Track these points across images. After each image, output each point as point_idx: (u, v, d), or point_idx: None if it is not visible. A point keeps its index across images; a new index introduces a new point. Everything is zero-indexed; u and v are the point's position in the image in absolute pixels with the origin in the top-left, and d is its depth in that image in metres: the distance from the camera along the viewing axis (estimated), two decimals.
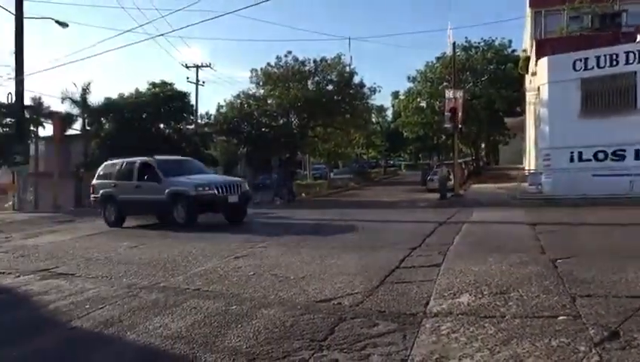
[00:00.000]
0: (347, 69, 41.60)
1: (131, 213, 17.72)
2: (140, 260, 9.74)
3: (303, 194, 36.49)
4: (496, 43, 45.62)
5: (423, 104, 47.79)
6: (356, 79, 42.32)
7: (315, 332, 4.97)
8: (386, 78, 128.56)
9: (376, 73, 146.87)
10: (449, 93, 26.80)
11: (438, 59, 45.91)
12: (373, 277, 7.14)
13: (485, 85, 43.57)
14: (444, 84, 40.00)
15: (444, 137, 50.37)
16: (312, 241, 11.26)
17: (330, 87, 42.04)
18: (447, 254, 8.73)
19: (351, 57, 59.12)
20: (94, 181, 18.40)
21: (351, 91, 41.89)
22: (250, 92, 43.11)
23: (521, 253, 8.45)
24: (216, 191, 15.25)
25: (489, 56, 44.55)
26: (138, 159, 17.23)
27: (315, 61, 41.14)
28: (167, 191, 15.43)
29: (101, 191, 17.62)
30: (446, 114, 26.44)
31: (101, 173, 18.35)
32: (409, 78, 49.47)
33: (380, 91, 43.70)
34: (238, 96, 43.06)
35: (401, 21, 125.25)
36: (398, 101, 56.39)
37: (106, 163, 18.70)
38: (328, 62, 41.26)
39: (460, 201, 22.31)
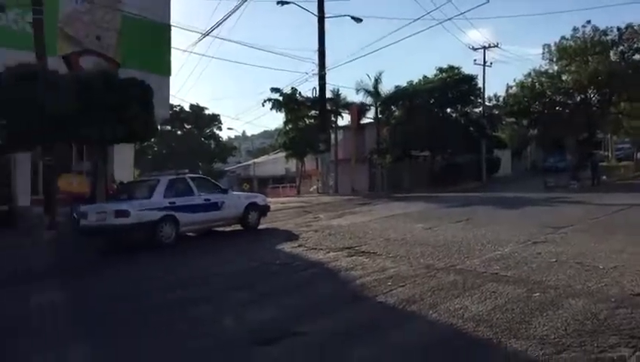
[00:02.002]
0: None
1: None
2: (435, 242, 9.93)
3: (604, 177, 33.01)
4: None
5: None
6: None
7: (635, 329, 4.45)
8: None
9: None
10: None
11: None
12: None
13: None
14: None
15: None
16: (621, 229, 10.11)
17: (637, 57, 37.13)
18: None
19: None
20: None
21: None
22: (542, 69, 40.59)
23: None
24: None
25: None
26: None
27: (618, 29, 36.75)
28: None
29: None
30: None
31: None
32: None
33: None
34: (528, 74, 40.90)
35: None
36: None
37: None
38: (635, 28, 36.44)
39: None
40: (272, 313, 5.96)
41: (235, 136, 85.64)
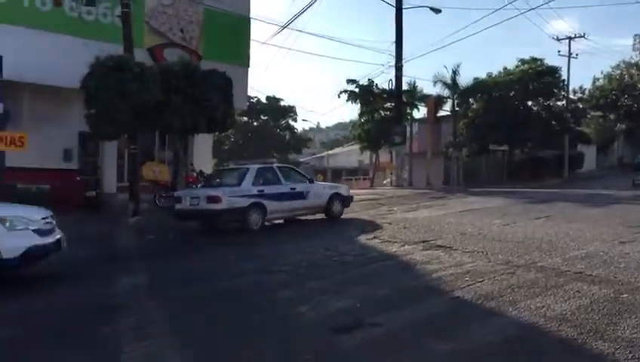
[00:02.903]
0: None
1: None
2: (514, 238, 9.65)
3: None
4: None
5: None
6: None
7: None
8: None
9: None
10: None
11: None
12: None
13: None
14: None
15: None
16: None
17: None
18: None
19: None
20: None
21: None
22: (633, 61, 38.51)
23: None
24: None
25: None
26: None
27: None
28: None
29: None
30: None
31: None
32: None
33: None
34: (617, 66, 39.02)
35: None
36: None
37: None
38: None
39: None
40: (347, 303, 5.98)
41: (310, 128, 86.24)
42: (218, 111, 16.25)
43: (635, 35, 38.16)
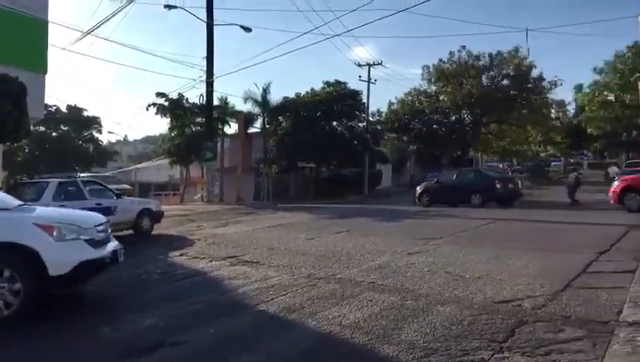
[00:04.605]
0: (525, 62, 39.60)
1: None
2: (317, 251, 10.18)
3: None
4: None
5: (611, 97, 43.83)
6: (535, 72, 40.20)
7: (495, 333, 4.84)
8: (568, 70, 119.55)
9: (556, 65, 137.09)
10: None
11: (629, 48, 41.79)
12: (556, 280, 6.74)
13: None
14: (637, 75, 36.29)
15: (635, 133, 45.65)
16: (487, 241, 10.91)
17: (506, 82, 40.48)
18: None
19: (528, 50, 55.90)
20: None
21: (528, 85, 39.95)
22: (422, 89, 42.97)
23: None
24: None
25: None
26: None
27: (490, 55, 39.87)
28: None
29: None
30: None
31: None
32: (595, 69, 45.75)
33: (561, 85, 40.98)
34: (409, 93, 43.15)
35: (586, 9, 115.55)
36: (582, 95, 52.27)
37: None
38: (504, 55, 39.63)
39: None
40: (149, 322, 5.85)
41: (117, 141, 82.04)
42: (10, 120, 14.77)
43: (424, 66, 42.47)
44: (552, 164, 63.33)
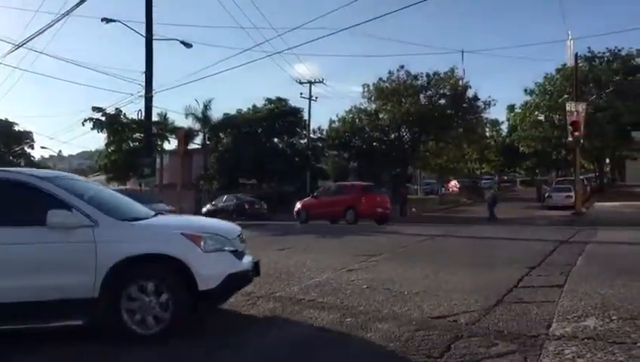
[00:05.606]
0: (460, 82, 40.92)
1: None
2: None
3: (414, 209, 36.10)
4: (623, 53, 42.93)
5: (541, 117, 45.89)
6: (470, 93, 41.57)
7: (432, 349, 4.94)
8: (501, 90, 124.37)
9: (490, 86, 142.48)
10: (570, 106, 25.64)
11: (558, 70, 43.93)
12: (490, 295, 6.94)
13: (610, 97, 40.93)
14: (565, 96, 38.17)
15: (563, 152, 47.82)
16: (424, 257, 11.14)
17: (442, 101, 41.59)
18: (569, 275, 8.26)
19: (464, 70, 57.85)
20: None
21: (464, 105, 41.19)
22: (362, 107, 43.57)
23: None
24: None
25: (615, 67, 41.97)
26: None
27: (427, 75, 40.91)
28: None
29: None
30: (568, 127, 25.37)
31: None
32: (526, 90, 47.89)
33: (494, 105, 42.50)
34: (349, 111, 43.68)
35: (518, 32, 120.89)
36: (514, 114, 54.58)
37: None
38: (441, 75, 40.81)
39: (583, 220, 21.08)
40: None
41: (50, 156, 79.26)
42: None
43: (364, 85, 43.09)
44: (483, 181, 65.48)
